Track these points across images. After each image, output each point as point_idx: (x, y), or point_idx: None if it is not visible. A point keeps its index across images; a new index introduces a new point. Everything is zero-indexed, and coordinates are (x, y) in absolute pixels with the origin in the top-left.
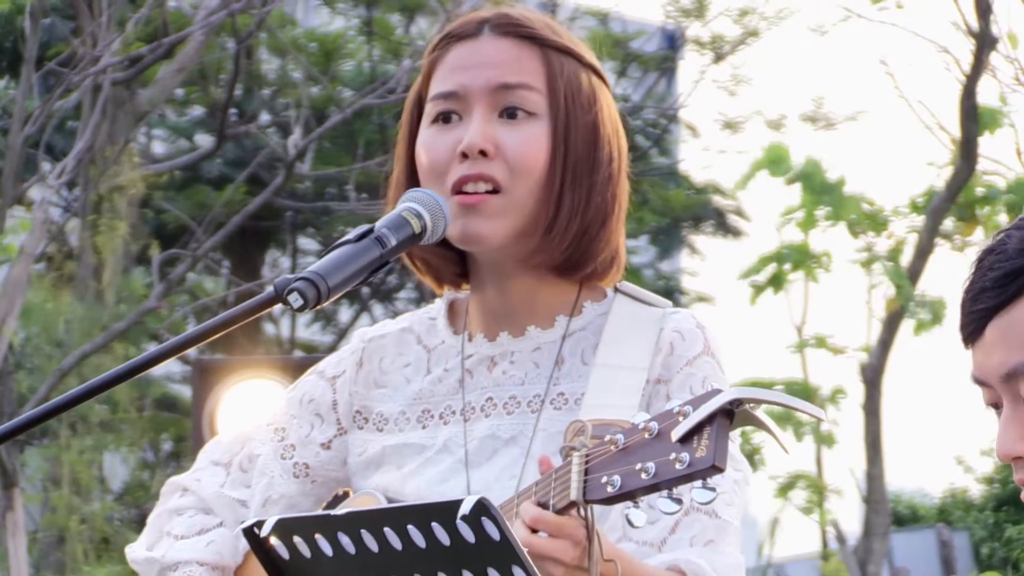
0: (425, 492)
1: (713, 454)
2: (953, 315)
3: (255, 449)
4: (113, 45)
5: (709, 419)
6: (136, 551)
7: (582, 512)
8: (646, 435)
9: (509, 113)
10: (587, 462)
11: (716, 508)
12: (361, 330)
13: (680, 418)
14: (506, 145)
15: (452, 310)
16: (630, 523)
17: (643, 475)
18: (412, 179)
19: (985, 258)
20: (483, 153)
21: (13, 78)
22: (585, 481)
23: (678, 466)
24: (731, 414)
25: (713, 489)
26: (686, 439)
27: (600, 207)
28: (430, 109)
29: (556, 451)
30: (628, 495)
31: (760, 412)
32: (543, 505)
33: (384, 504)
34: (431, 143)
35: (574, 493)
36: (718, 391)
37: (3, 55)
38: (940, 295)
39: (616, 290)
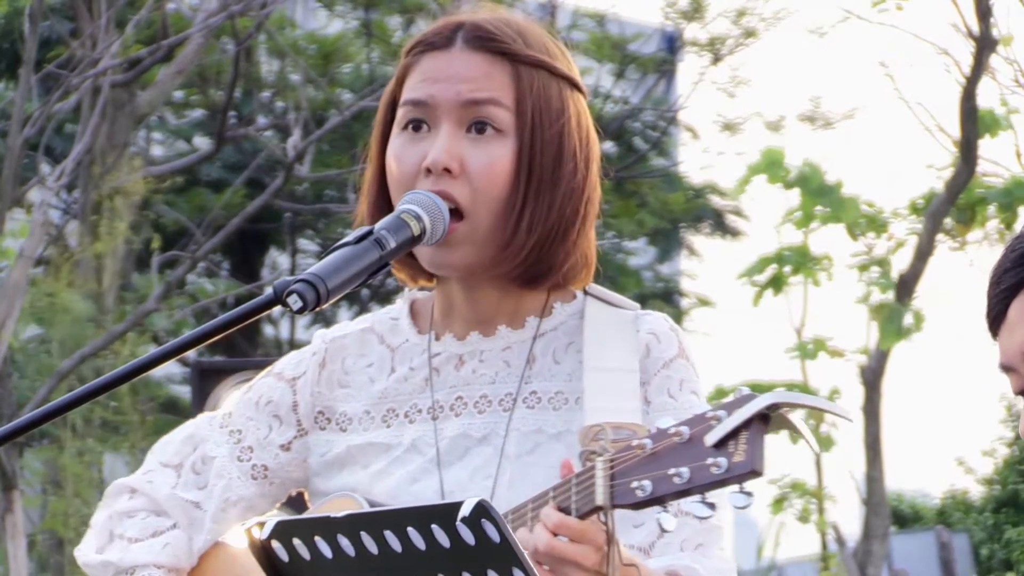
0: (396, 492)
1: (752, 458)
2: (947, 325)
3: (210, 451)
4: (112, 47)
5: (745, 424)
6: (87, 554)
7: (602, 517)
8: (676, 439)
9: (477, 127)
10: (612, 467)
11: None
12: (321, 331)
13: (713, 423)
14: (470, 163)
15: (414, 309)
16: (662, 528)
17: (676, 479)
18: (383, 180)
19: (1009, 243)
20: (447, 171)
21: (12, 80)
22: (612, 486)
23: (715, 470)
24: (766, 418)
25: (750, 494)
26: (720, 444)
27: (559, 221)
28: (401, 115)
29: (531, 450)
30: (658, 500)
31: (794, 416)
32: (564, 510)
33: (364, 506)
34: (400, 153)
35: (600, 498)
36: (753, 395)
37: (2, 57)
38: (920, 308)
39: (585, 292)
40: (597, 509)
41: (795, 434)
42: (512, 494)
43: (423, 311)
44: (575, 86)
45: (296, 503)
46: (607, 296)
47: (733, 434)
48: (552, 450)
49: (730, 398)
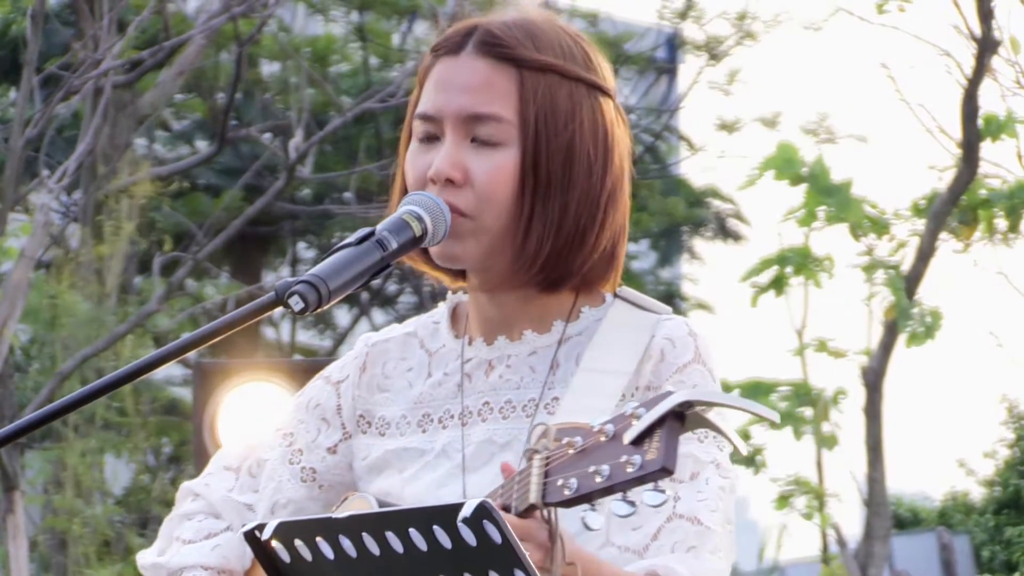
0: (424, 497)
1: (663, 456)
2: (948, 326)
3: (264, 454)
4: (114, 48)
5: (660, 421)
6: (145, 557)
7: (545, 515)
8: (602, 438)
9: (481, 140)
10: (547, 465)
11: (699, 514)
12: (366, 335)
13: (633, 420)
14: (474, 172)
15: (455, 314)
16: (587, 526)
17: (597, 478)
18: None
19: None
20: (451, 181)
21: (13, 84)
22: (544, 484)
23: (630, 468)
24: (682, 416)
25: (663, 491)
26: (638, 441)
27: (575, 226)
28: (415, 126)
29: None
30: (584, 498)
31: (712, 414)
32: (506, 508)
33: (374, 506)
34: (414, 161)
35: (533, 496)
36: (669, 393)
37: (2, 60)
38: (936, 305)
39: (616, 295)
40: (532, 508)
41: (716, 432)
42: None
43: (462, 315)
44: (594, 87)
45: None
46: (636, 299)
47: (649, 432)
48: None
49: (652, 396)
